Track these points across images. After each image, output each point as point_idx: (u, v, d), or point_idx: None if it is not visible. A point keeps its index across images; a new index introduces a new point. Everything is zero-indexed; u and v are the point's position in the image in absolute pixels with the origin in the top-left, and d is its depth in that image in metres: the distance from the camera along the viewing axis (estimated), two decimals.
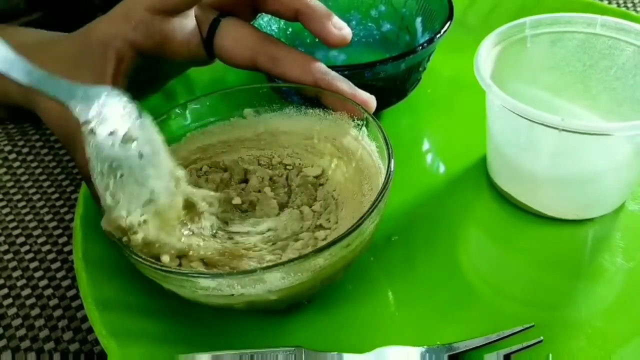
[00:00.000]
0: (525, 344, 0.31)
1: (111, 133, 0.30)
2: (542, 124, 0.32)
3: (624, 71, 0.39)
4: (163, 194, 0.32)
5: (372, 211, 0.29)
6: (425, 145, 0.46)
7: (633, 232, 0.37)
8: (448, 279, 0.36)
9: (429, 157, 0.45)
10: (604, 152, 0.35)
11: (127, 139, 0.31)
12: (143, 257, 0.29)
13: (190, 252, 0.32)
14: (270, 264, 0.30)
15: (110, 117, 0.30)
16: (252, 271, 0.28)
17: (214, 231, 0.34)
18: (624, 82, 0.39)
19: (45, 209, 0.43)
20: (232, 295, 0.29)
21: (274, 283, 0.28)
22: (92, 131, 0.30)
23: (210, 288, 0.29)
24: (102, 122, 0.30)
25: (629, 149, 0.35)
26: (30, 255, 0.40)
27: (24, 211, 0.43)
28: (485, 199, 0.40)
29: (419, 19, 0.49)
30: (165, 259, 0.31)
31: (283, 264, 0.28)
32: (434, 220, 0.40)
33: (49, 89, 0.30)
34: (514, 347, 0.31)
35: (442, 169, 0.44)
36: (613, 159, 0.35)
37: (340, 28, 0.37)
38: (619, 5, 0.58)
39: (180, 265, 0.32)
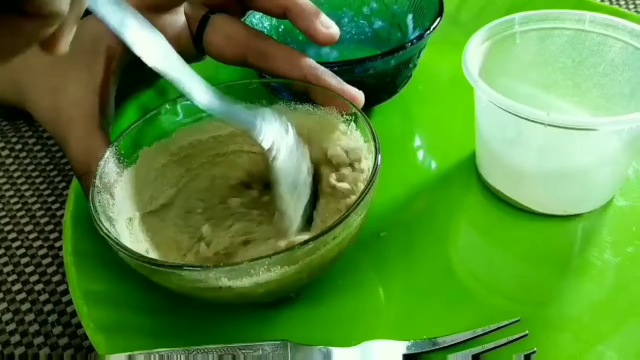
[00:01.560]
0: (510, 338, 0.31)
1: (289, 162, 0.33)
2: (528, 119, 0.33)
3: (613, 67, 0.39)
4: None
5: (358, 204, 0.29)
6: (416, 142, 0.47)
7: (621, 228, 0.37)
8: (436, 274, 0.36)
9: (419, 153, 0.46)
10: (591, 147, 0.35)
11: (295, 159, 0.33)
12: (131, 251, 0.29)
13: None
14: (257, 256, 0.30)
15: (281, 139, 0.33)
16: (239, 263, 0.28)
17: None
18: (612, 78, 0.39)
19: (37, 205, 0.43)
20: (220, 288, 0.29)
21: (260, 275, 0.29)
22: (275, 157, 0.32)
23: (197, 281, 0.29)
24: (279, 147, 0.32)
25: (616, 144, 0.35)
26: (22, 250, 0.40)
27: (16, 207, 0.43)
28: (475, 194, 0.41)
29: (410, 16, 0.49)
30: None
31: (269, 256, 0.28)
32: (423, 216, 0.40)
33: (234, 121, 0.32)
34: (499, 342, 0.31)
35: (432, 165, 0.44)
36: (600, 154, 0.35)
37: (328, 26, 0.38)
38: (611, 2, 0.58)
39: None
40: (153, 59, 0.28)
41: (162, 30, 0.39)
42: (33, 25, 0.20)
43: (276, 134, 0.33)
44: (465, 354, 0.30)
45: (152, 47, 0.28)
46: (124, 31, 0.27)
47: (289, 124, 0.34)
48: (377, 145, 0.32)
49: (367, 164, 0.35)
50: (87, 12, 0.40)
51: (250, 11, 0.45)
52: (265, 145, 0.32)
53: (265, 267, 0.28)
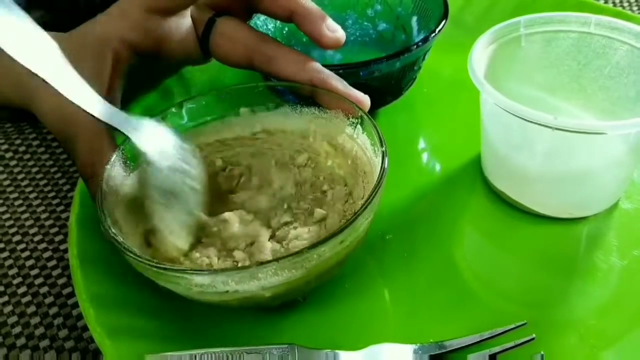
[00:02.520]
0: (517, 342, 0.31)
1: (164, 164, 0.33)
2: (535, 123, 0.33)
3: (618, 70, 0.39)
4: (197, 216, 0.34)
5: (366, 208, 0.29)
6: (421, 144, 0.47)
7: (627, 231, 0.37)
8: (442, 277, 0.36)
9: (424, 156, 0.46)
10: (597, 150, 0.35)
11: (178, 170, 0.33)
12: (138, 254, 0.29)
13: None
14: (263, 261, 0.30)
15: (165, 149, 0.33)
16: (246, 267, 0.28)
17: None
18: (617, 81, 0.39)
19: (42, 207, 0.43)
20: (227, 292, 0.29)
21: (267, 279, 0.28)
22: (148, 162, 0.33)
23: (204, 285, 0.29)
24: (158, 153, 0.33)
25: (622, 148, 0.35)
26: (27, 253, 0.40)
27: (20, 209, 0.43)
28: (480, 197, 0.41)
29: (414, 18, 0.49)
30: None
31: (277, 260, 0.28)
32: (428, 219, 0.40)
33: (114, 122, 0.32)
34: (506, 345, 0.31)
35: (437, 167, 0.44)
36: (606, 158, 0.35)
37: (334, 30, 0.38)
38: (615, 4, 0.58)
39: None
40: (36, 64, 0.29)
41: (169, 33, 0.39)
42: None
43: (163, 146, 0.33)
44: (482, 355, 0.30)
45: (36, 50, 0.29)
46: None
47: (194, 152, 0.35)
48: (384, 149, 0.32)
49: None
50: (95, 15, 0.41)
51: (255, 14, 0.45)
52: (142, 148, 0.32)
53: (272, 271, 0.28)
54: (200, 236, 0.35)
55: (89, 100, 0.31)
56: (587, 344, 0.32)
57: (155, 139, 0.33)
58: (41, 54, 0.30)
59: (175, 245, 0.33)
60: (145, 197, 0.33)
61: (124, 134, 0.32)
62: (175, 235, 0.33)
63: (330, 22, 0.38)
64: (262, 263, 0.28)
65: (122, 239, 0.30)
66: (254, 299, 0.30)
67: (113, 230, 0.30)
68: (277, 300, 0.32)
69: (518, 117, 0.33)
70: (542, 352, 0.30)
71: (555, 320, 0.33)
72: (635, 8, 0.58)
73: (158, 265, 0.29)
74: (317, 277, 0.31)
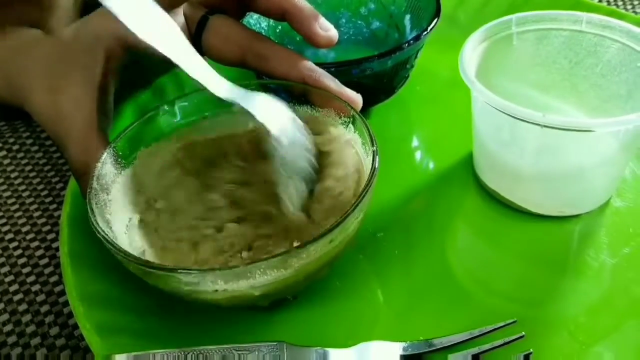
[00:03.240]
0: (507, 339, 0.31)
1: (286, 139, 0.33)
2: (524, 120, 0.33)
3: (610, 68, 0.39)
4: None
5: (355, 208, 0.29)
6: (413, 142, 0.47)
7: (618, 229, 0.37)
8: (433, 275, 0.36)
9: (416, 154, 0.46)
10: (587, 148, 0.35)
11: (297, 144, 0.34)
12: (127, 252, 0.29)
13: None
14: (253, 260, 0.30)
15: (284, 124, 0.33)
16: (235, 267, 0.28)
17: None
18: (609, 79, 0.39)
19: (35, 206, 0.43)
20: (216, 291, 0.29)
21: (257, 278, 0.28)
22: (279, 143, 0.32)
23: (193, 284, 0.29)
24: (284, 132, 0.33)
25: (612, 145, 0.35)
26: (19, 251, 0.40)
27: (13, 207, 0.43)
28: (472, 195, 0.41)
29: (407, 17, 0.49)
30: None
31: (266, 259, 0.28)
32: (420, 217, 0.40)
33: (242, 102, 0.33)
34: (495, 343, 0.31)
35: (429, 165, 0.44)
36: (597, 156, 0.36)
37: (327, 29, 0.38)
38: (609, 3, 0.58)
39: None
40: (166, 47, 0.31)
41: None
42: None
43: (281, 119, 0.33)
44: (464, 355, 0.30)
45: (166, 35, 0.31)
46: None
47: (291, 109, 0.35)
48: (375, 148, 0.32)
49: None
50: (90, 9, 0.41)
51: (248, 12, 0.45)
52: (271, 130, 0.32)
53: (262, 270, 0.28)
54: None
55: (214, 81, 0.33)
56: (576, 341, 0.32)
57: (273, 112, 0.33)
58: (167, 36, 0.31)
59: (296, 217, 0.33)
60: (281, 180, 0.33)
61: (249, 111, 0.33)
62: (296, 207, 0.33)
63: (322, 21, 0.38)
64: (251, 262, 0.28)
65: (111, 238, 0.30)
66: (243, 298, 0.30)
67: (103, 229, 0.30)
68: (267, 299, 0.32)
69: (507, 114, 0.33)
70: (523, 353, 0.30)
71: (545, 318, 0.33)
72: (629, 7, 0.58)
73: (147, 264, 0.29)
74: (307, 277, 0.31)
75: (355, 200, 0.30)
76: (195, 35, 0.39)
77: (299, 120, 0.34)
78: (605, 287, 0.35)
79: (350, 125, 0.36)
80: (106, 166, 0.34)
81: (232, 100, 0.33)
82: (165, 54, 0.31)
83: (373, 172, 0.31)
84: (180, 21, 0.40)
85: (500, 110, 0.33)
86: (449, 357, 0.31)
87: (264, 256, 0.28)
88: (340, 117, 0.36)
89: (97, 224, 0.31)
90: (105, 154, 0.34)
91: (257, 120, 0.33)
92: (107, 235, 0.30)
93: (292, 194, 0.33)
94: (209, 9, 0.40)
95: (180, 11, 0.40)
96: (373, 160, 0.32)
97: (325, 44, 0.38)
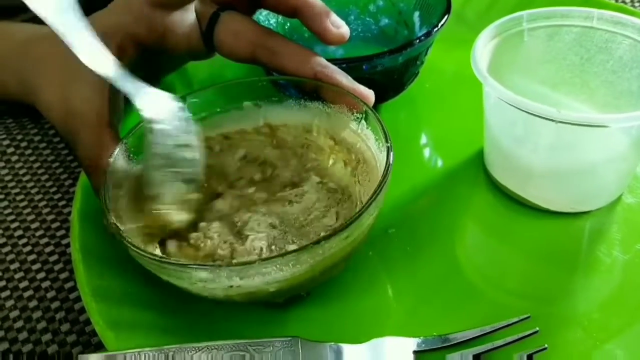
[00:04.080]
0: (521, 335, 0.31)
1: (167, 134, 0.33)
2: (539, 116, 0.33)
3: (621, 64, 0.39)
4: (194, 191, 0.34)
5: (371, 204, 0.29)
6: (423, 139, 0.47)
7: (630, 224, 0.37)
8: (445, 272, 0.36)
9: (426, 151, 0.46)
10: (600, 144, 0.35)
11: (180, 143, 0.33)
12: (141, 248, 0.29)
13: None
14: (268, 255, 0.30)
15: (168, 119, 0.33)
16: (250, 262, 0.28)
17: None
18: (620, 76, 0.39)
19: (44, 202, 0.43)
20: (231, 287, 0.29)
21: (272, 275, 0.28)
22: (150, 130, 0.32)
23: (208, 280, 0.29)
24: (161, 123, 0.33)
25: (625, 141, 0.35)
26: (28, 248, 0.40)
27: (22, 204, 0.43)
28: (483, 192, 0.41)
29: (416, 13, 0.49)
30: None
31: (281, 255, 0.28)
32: (431, 213, 0.40)
33: (122, 85, 0.33)
34: (509, 339, 0.31)
35: (439, 162, 0.44)
36: (610, 151, 0.35)
37: (339, 26, 0.38)
38: (617, 0, 0.58)
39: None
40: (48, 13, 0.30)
41: (172, 27, 0.39)
42: None
43: (167, 117, 0.33)
44: (464, 354, 0.30)
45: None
46: None
47: (196, 127, 0.35)
48: (389, 144, 0.32)
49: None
50: (94, 9, 0.41)
51: (258, 9, 0.45)
52: (145, 114, 0.33)
53: (277, 266, 0.28)
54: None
55: (99, 60, 0.32)
56: (590, 337, 0.32)
57: (159, 106, 0.33)
58: (60, 8, 0.31)
59: (172, 218, 0.33)
60: (147, 169, 0.33)
61: (128, 98, 0.33)
62: (173, 208, 0.33)
63: (334, 17, 0.38)
64: (266, 258, 0.28)
65: (125, 233, 0.30)
66: (257, 294, 0.30)
67: (116, 224, 0.30)
68: (281, 296, 0.32)
69: (521, 110, 0.33)
70: (545, 346, 0.30)
71: (558, 314, 0.33)
72: (637, 4, 0.58)
73: (161, 259, 0.29)
74: (322, 273, 0.31)
75: (371, 196, 0.30)
76: (207, 32, 0.39)
77: (188, 118, 0.34)
78: (617, 283, 0.35)
79: (363, 121, 0.36)
80: (118, 162, 0.34)
81: (115, 84, 0.32)
82: (52, 25, 0.30)
83: (388, 168, 0.31)
84: (192, 17, 0.40)
85: (514, 106, 0.33)
86: (448, 357, 0.30)
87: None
88: (352, 114, 0.36)
89: (111, 219, 0.30)
90: (117, 149, 0.34)
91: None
92: (120, 230, 0.30)
93: (165, 189, 0.33)
94: (220, 6, 0.40)
95: (191, 7, 0.40)
96: (387, 156, 0.32)
97: (336, 40, 0.38)
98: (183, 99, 0.38)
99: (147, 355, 0.29)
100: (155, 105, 0.33)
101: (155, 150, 0.33)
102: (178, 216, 0.34)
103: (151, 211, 0.33)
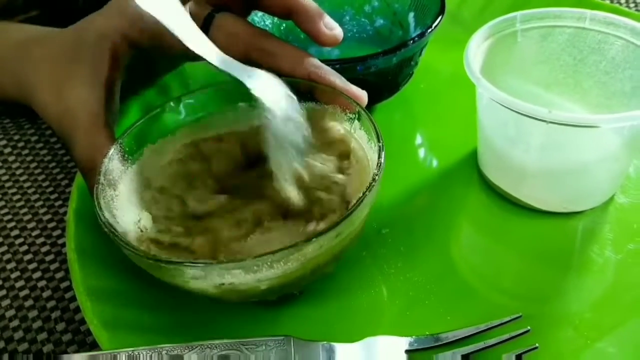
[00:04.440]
0: (512, 334, 0.31)
1: (278, 112, 0.33)
2: (530, 117, 0.33)
3: (614, 65, 0.39)
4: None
5: (362, 202, 0.30)
6: (418, 139, 0.47)
7: (622, 224, 0.38)
8: (438, 271, 0.36)
9: (420, 151, 0.46)
10: (592, 144, 0.35)
11: (295, 123, 0.34)
12: (135, 247, 0.30)
13: None
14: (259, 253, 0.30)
15: (278, 98, 0.34)
16: (241, 260, 0.28)
17: None
18: (613, 76, 0.39)
19: (40, 202, 0.43)
20: (222, 284, 0.29)
21: (263, 272, 0.29)
22: (271, 115, 0.33)
23: (200, 277, 0.29)
24: (273, 102, 0.33)
25: (617, 142, 0.35)
26: (25, 247, 0.40)
27: (18, 204, 0.43)
28: (476, 192, 0.41)
29: (411, 14, 0.49)
30: None
31: (272, 253, 0.28)
32: (425, 214, 0.40)
33: (235, 73, 0.33)
34: (501, 337, 0.31)
35: (433, 162, 0.44)
36: (601, 152, 0.36)
37: (332, 28, 0.38)
38: (611, 1, 0.59)
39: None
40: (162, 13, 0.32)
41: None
42: None
43: (272, 91, 0.34)
44: (452, 354, 0.31)
45: None
46: None
47: (288, 89, 0.35)
48: (381, 144, 0.33)
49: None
50: (90, 11, 0.41)
51: (253, 10, 0.45)
52: (263, 102, 0.33)
53: (269, 264, 0.28)
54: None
55: (207, 49, 0.33)
56: (581, 336, 0.32)
57: (269, 87, 0.34)
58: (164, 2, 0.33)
59: (289, 193, 0.33)
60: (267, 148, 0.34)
61: (241, 82, 0.33)
62: (288, 183, 0.33)
63: (328, 19, 0.38)
64: (258, 256, 0.28)
65: (119, 233, 0.30)
66: (249, 292, 0.30)
67: (110, 224, 0.31)
68: (273, 294, 0.32)
69: (513, 110, 0.33)
70: (536, 345, 0.31)
71: (550, 314, 0.33)
72: (632, 5, 0.58)
73: (154, 257, 0.29)
74: (313, 271, 0.31)
75: (362, 195, 0.30)
76: None
77: (294, 99, 0.35)
78: (609, 283, 0.35)
79: (356, 121, 0.36)
80: (113, 162, 0.34)
81: (227, 72, 0.33)
82: (161, 20, 0.32)
83: (379, 168, 0.31)
84: None
85: (506, 107, 0.34)
86: (437, 357, 0.31)
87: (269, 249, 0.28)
88: (345, 114, 0.36)
89: (105, 219, 0.31)
90: (112, 149, 0.34)
91: (254, 96, 0.33)
92: (114, 230, 0.30)
93: (283, 167, 0.33)
94: (214, 7, 0.40)
95: (186, 9, 0.40)
96: (379, 156, 0.32)
97: (330, 42, 0.38)
98: (179, 99, 0.39)
99: (141, 354, 0.29)
100: (265, 85, 0.33)
101: (270, 128, 0.33)
102: (293, 191, 0.34)
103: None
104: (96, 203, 0.31)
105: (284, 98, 0.34)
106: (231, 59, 0.34)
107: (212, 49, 0.34)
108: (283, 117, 0.33)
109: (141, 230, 0.34)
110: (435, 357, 0.31)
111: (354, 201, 0.30)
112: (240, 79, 0.33)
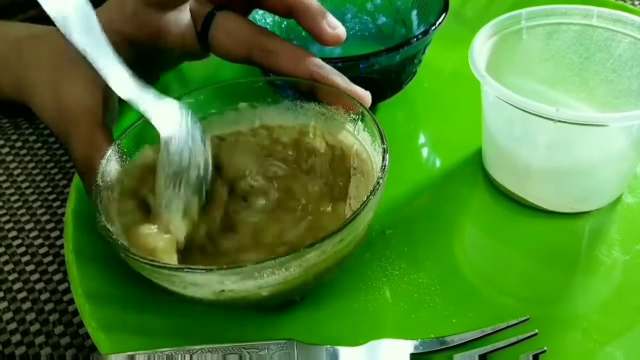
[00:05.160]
0: (520, 337, 0.30)
1: (176, 147, 0.32)
2: (537, 115, 0.32)
3: (621, 63, 0.38)
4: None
5: (365, 206, 0.29)
6: (421, 139, 0.46)
7: (630, 225, 0.37)
8: (443, 273, 0.35)
9: (424, 150, 0.45)
10: (599, 143, 0.35)
11: (193, 161, 0.33)
12: (132, 251, 0.29)
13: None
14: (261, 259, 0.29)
15: (182, 135, 0.33)
16: (242, 266, 0.27)
17: None
18: (620, 74, 0.39)
19: (38, 203, 0.43)
20: (222, 291, 0.29)
21: (264, 279, 0.28)
22: (167, 147, 0.32)
23: (199, 284, 0.28)
24: (176, 140, 0.32)
25: (624, 141, 0.35)
26: (23, 249, 0.40)
27: (16, 205, 0.43)
28: (481, 192, 0.40)
29: (414, 12, 0.49)
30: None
31: (274, 259, 0.27)
32: (429, 214, 0.39)
33: (141, 106, 0.32)
34: (509, 341, 0.30)
35: (437, 162, 0.44)
36: (609, 151, 0.35)
37: (335, 27, 0.37)
38: None
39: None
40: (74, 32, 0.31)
41: (167, 27, 0.39)
42: None
43: (177, 125, 0.33)
44: (470, 355, 0.30)
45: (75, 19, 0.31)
46: None
47: (196, 122, 0.34)
48: (385, 146, 0.32)
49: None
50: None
51: (254, 9, 0.44)
52: (162, 132, 0.32)
53: (270, 270, 0.27)
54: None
55: (120, 81, 0.32)
56: (590, 339, 0.31)
57: (171, 120, 0.33)
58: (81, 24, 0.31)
59: (174, 233, 0.32)
60: (157, 178, 0.32)
61: (140, 111, 0.32)
62: (175, 222, 0.32)
63: (330, 18, 0.37)
64: (259, 262, 0.27)
65: (115, 236, 0.30)
66: (250, 299, 0.30)
67: (107, 227, 0.30)
68: (274, 300, 0.32)
69: (520, 109, 0.33)
70: (545, 348, 0.30)
71: (557, 316, 0.33)
72: (637, 2, 0.58)
73: (152, 262, 0.29)
74: (316, 277, 0.30)
75: (365, 199, 0.29)
76: (202, 32, 0.39)
77: (198, 134, 0.34)
78: (617, 284, 0.34)
79: (359, 122, 0.35)
80: (111, 163, 0.33)
81: (130, 102, 0.32)
82: (73, 40, 0.31)
83: (383, 171, 0.31)
84: (186, 17, 0.40)
85: (512, 105, 0.33)
86: (455, 357, 0.30)
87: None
88: (349, 115, 0.36)
89: (102, 221, 0.30)
90: (110, 150, 0.34)
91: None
92: (111, 233, 0.30)
93: (175, 208, 0.32)
94: (215, 5, 0.39)
95: (186, 7, 0.40)
96: (383, 158, 0.31)
97: (332, 42, 0.37)
98: (179, 99, 0.38)
99: (140, 357, 0.29)
100: (172, 123, 0.33)
101: (169, 169, 0.32)
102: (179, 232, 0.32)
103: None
104: (93, 205, 0.31)
105: (187, 132, 0.33)
106: (146, 93, 0.33)
107: (128, 81, 0.32)
108: (181, 152, 0.32)
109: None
110: (455, 357, 0.30)
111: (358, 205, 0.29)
112: (148, 117, 0.32)
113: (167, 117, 0.33)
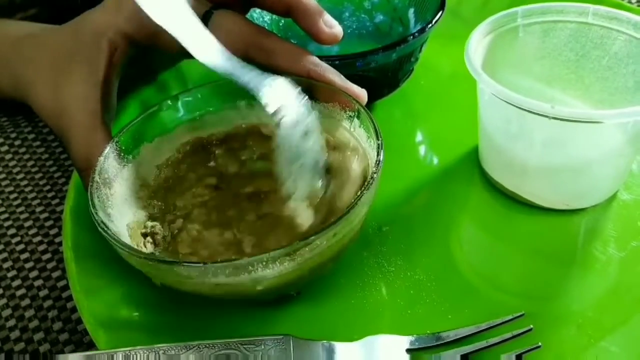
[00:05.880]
0: (514, 333, 0.30)
1: (293, 125, 0.32)
2: (532, 112, 0.32)
3: (616, 60, 0.39)
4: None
5: (359, 200, 0.29)
6: (418, 136, 0.46)
7: (625, 222, 0.37)
8: (439, 269, 0.36)
9: (421, 148, 0.45)
10: (595, 140, 0.35)
11: (306, 132, 0.32)
12: (129, 247, 0.29)
13: None
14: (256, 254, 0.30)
15: (292, 109, 0.32)
16: (237, 260, 0.28)
17: None
18: (616, 72, 0.39)
19: (37, 200, 0.43)
20: (218, 284, 0.29)
21: (259, 272, 0.28)
22: (279, 124, 0.32)
23: (194, 277, 0.28)
24: (286, 115, 0.32)
25: (620, 138, 0.35)
26: (21, 246, 0.40)
27: (15, 202, 0.43)
28: (477, 189, 0.40)
29: (411, 10, 0.49)
30: None
31: (268, 253, 0.27)
32: (425, 211, 0.39)
33: (243, 77, 0.32)
34: (504, 336, 0.30)
35: (434, 159, 0.44)
36: (604, 148, 0.35)
37: (331, 26, 0.37)
38: None
39: None
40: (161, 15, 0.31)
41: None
42: None
43: (285, 100, 0.32)
44: (452, 354, 0.30)
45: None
46: None
47: (303, 95, 0.33)
48: (380, 142, 0.32)
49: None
50: (89, 7, 0.40)
51: (252, 7, 0.44)
52: (270, 108, 0.32)
53: (264, 263, 0.28)
54: None
55: (216, 55, 0.32)
56: (585, 335, 0.31)
57: (282, 97, 0.32)
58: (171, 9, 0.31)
59: (300, 213, 0.33)
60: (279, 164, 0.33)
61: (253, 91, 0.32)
62: (300, 201, 0.33)
63: (327, 17, 0.38)
64: (253, 256, 0.27)
65: (113, 232, 0.30)
66: (246, 293, 0.30)
67: (104, 223, 0.30)
68: (270, 295, 0.32)
69: (515, 106, 0.33)
70: (539, 344, 0.30)
71: (553, 312, 0.33)
72: (634, 0, 0.58)
73: (148, 257, 0.29)
74: (311, 271, 0.30)
75: (360, 194, 0.29)
76: None
77: (308, 107, 0.33)
78: (612, 280, 0.34)
79: (355, 119, 0.35)
80: (109, 160, 0.34)
81: (236, 77, 0.32)
82: (164, 24, 0.31)
83: (378, 165, 0.31)
84: None
85: (508, 102, 0.33)
86: (439, 356, 0.30)
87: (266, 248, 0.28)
88: (345, 112, 0.36)
89: (99, 218, 0.30)
90: (108, 148, 0.34)
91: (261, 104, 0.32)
92: (108, 229, 0.30)
93: (292, 183, 0.32)
94: (213, 4, 0.39)
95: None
96: (378, 154, 0.32)
97: (329, 41, 0.37)
98: (177, 97, 0.38)
99: (138, 353, 0.29)
100: (278, 96, 0.32)
101: (284, 143, 0.32)
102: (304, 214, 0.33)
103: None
104: (90, 201, 0.31)
105: (297, 106, 0.33)
106: (244, 66, 0.33)
107: (225, 55, 0.33)
108: (294, 126, 0.32)
109: (137, 229, 0.33)
110: (437, 356, 0.30)
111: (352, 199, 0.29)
112: (252, 89, 0.32)
113: (272, 90, 0.32)
